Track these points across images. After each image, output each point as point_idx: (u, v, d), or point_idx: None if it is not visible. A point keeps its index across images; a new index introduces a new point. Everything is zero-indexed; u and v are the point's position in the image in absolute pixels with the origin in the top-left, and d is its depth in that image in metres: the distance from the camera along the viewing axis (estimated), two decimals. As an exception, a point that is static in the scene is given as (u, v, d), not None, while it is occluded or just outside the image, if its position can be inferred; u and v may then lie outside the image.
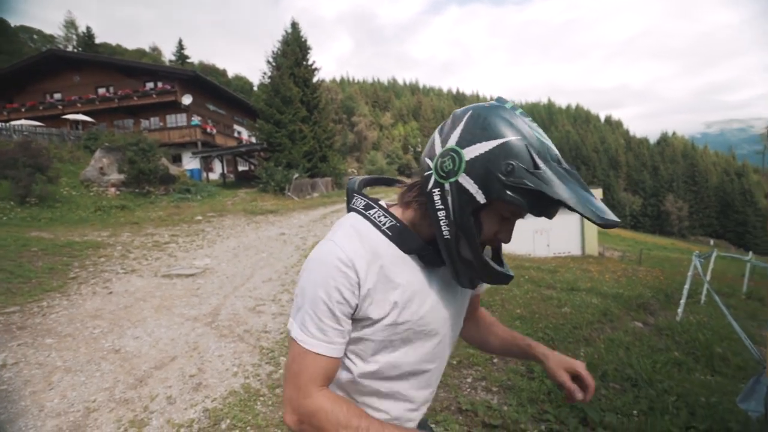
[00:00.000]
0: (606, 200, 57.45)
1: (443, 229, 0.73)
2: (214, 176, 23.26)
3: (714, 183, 67.08)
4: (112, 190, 13.80)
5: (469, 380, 2.98)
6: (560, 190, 0.63)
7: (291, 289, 5.51)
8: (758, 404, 1.64)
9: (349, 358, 0.80)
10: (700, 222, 63.98)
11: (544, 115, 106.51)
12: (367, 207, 0.82)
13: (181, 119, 24.13)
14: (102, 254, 7.18)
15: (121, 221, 10.83)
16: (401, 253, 0.78)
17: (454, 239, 0.73)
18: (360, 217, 0.81)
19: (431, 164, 0.74)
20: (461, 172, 0.69)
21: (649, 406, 2.56)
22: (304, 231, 10.14)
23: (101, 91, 24.27)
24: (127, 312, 4.63)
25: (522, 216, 0.75)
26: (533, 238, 17.08)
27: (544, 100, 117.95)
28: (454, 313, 0.88)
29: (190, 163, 21.93)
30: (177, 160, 22.45)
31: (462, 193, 0.70)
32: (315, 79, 23.97)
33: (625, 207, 64.80)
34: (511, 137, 0.67)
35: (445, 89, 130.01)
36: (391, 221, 0.79)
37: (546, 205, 0.68)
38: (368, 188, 0.96)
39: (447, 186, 0.71)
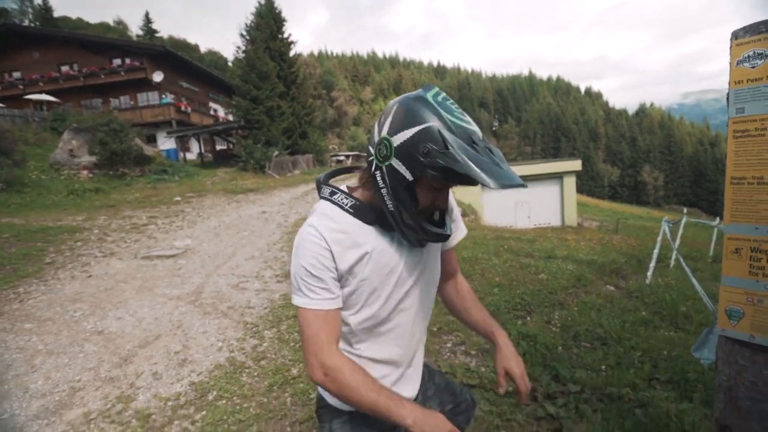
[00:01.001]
0: (585, 172, 58.44)
1: (387, 202, 0.89)
2: (191, 156, 22.64)
3: (689, 153, 68.95)
4: (85, 173, 13.32)
5: (448, 345, 3.10)
6: (465, 166, 0.75)
7: (273, 265, 5.53)
8: (710, 353, 1.77)
9: (345, 314, 0.97)
10: (675, 191, 66.07)
11: (526, 87, 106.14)
12: (332, 193, 0.99)
13: (152, 97, 23.19)
14: (78, 238, 7.01)
15: (97, 204, 10.52)
16: (364, 224, 0.95)
17: (397, 210, 0.89)
18: (327, 203, 0.98)
19: (373, 151, 0.90)
20: (392, 156, 0.84)
21: (616, 362, 2.72)
22: (286, 209, 10.07)
23: (64, 68, 22.99)
24: (108, 294, 4.59)
25: (450, 187, 0.92)
26: (514, 210, 17.41)
27: (525, 72, 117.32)
28: (421, 265, 1.04)
29: (166, 143, 21.23)
30: (151, 140, 21.71)
31: (395, 173, 0.85)
32: (292, 53, 23.21)
33: (604, 178, 66.27)
34: (427, 124, 0.80)
35: (425, 62, 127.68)
36: (352, 201, 0.96)
37: (460, 177, 0.80)
38: (336, 178, 1.13)
39: (384, 168, 0.87)
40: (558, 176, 18.02)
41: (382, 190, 0.89)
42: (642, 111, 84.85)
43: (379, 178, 0.89)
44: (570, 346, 2.95)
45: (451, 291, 1.26)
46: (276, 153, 18.75)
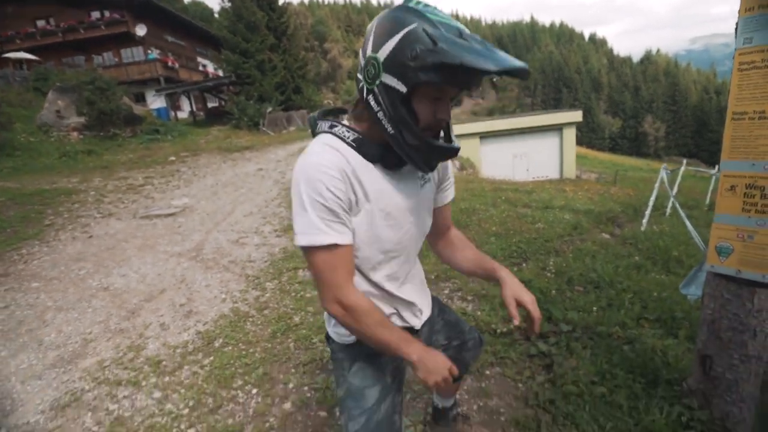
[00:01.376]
0: (586, 123, 57.43)
1: (387, 127, 0.85)
2: (183, 115, 22.05)
3: (693, 102, 67.30)
4: (75, 134, 13.01)
5: (446, 291, 3.19)
6: (459, 56, 0.71)
7: (272, 221, 5.57)
8: (697, 288, 1.83)
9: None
10: (676, 142, 65.22)
11: (527, 34, 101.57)
12: (332, 126, 0.94)
13: (137, 53, 22.17)
14: (75, 200, 6.99)
15: (90, 166, 10.39)
16: (366, 161, 0.92)
17: (398, 132, 0.85)
18: (328, 135, 0.93)
19: (361, 77, 0.86)
20: (382, 72, 0.80)
21: (607, 303, 2.81)
22: (283, 165, 9.98)
23: (40, 23, 21.76)
24: (111, 253, 4.65)
25: (449, 93, 0.86)
26: (513, 164, 17.27)
27: (527, 18, 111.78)
28: (417, 210, 1.04)
29: (155, 101, 20.58)
30: (140, 99, 21.03)
31: (388, 90, 0.81)
32: (281, 2, 21.94)
33: (605, 129, 65.16)
34: (410, 26, 0.76)
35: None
36: (354, 134, 0.92)
37: (455, 73, 0.74)
38: (329, 117, 1.05)
39: (376, 89, 0.83)
40: (558, 128, 17.68)
41: (378, 114, 0.85)
42: (647, 58, 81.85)
43: (373, 102, 0.85)
44: (564, 290, 3.04)
45: (448, 244, 1.25)
46: (270, 109, 18.25)
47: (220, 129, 17.39)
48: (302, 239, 0.87)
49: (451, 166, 1.18)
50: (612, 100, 71.70)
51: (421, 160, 0.89)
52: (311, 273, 0.92)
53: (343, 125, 0.94)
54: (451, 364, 0.93)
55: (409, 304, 1.13)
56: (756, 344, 1.57)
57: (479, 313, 2.79)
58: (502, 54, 0.73)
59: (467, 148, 15.95)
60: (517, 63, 0.72)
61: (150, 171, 9.74)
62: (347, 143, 0.91)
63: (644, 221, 4.75)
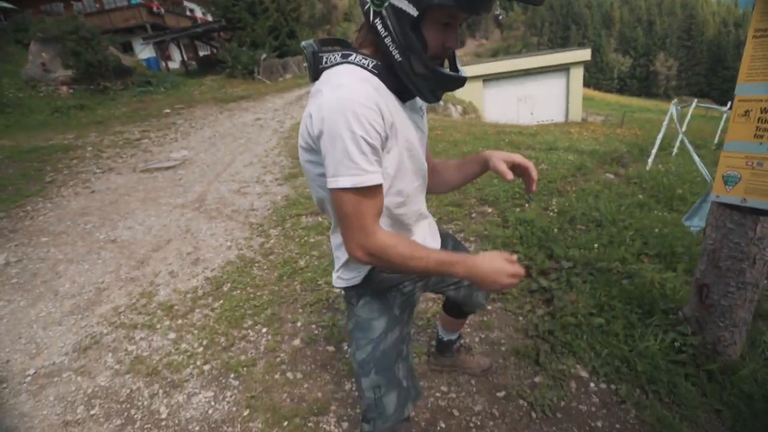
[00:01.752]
0: (594, 63, 54.91)
1: (394, 54, 0.80)
2: (173, 65, 21.20)
3: (709, 36, 63.69)
4: (64, 88, 12.61)
5: (443, 228, 3.22)
6: None
7: (273, 170, 5.53)
8: (700, 220, 1.83)
9: None
10: (688, 81, 62.62)
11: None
12: (345, 56, 0.85)
13: (119, -2, 20.88)
14: (73, 156, 6.92)
15: (84, 122, 10.17)
16: (389, 91, 0.86)
17: (406, 59, 0.80)
18: (350, 66, 0.84)
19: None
20: None
21: (609, 241, 2.83)
22: (281, 114, 9.74)
23: (14, -33, 20.27)
24: (114, 207, 4.67)
25: (459, 19, 0.81)
26: (517, 107, 16.77)
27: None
28: (423, 142, 1.02)
29: (144, 51, 19.68)
30: (128, 49, 20.09)
31: (397, 12, 0.76)
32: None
33: (614, 69, 62.41)
34: None
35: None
36: (373, 62, 0.85)
37: None
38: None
39: (384, 12, 0.77)
40: (565, 68, 16.91)
41: (386, 40, 0.80)
42: (664, -12, 76.23)
43: (380, 26, 0.79)
44: (566, 229, 3.05)
45: (434, 173, 1.18)
46: (264, 56, 17.47)
47: (213, 78, 16.77)
48: (343, 181, 0.78)
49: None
50: (623, 37, 67.93)
51: (428, 89, 0.85)
52: (337, 215, 0.85)
53: (359, 53, 0.86)
54: (508, 254, 0.88)
55: (416, 237, 1.10)
56: (754, 272, 1.59)
57: (482, 253, 2.83)
58: None
59: (469, 92, 15.40)
60: None
61: (145, 125, 9.54)
62: (369, 71, 0.84)
63: (650, 160, 4.67)
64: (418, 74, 0.82)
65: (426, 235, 1.13)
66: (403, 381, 1.08)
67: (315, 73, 0.88)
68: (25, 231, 4.21)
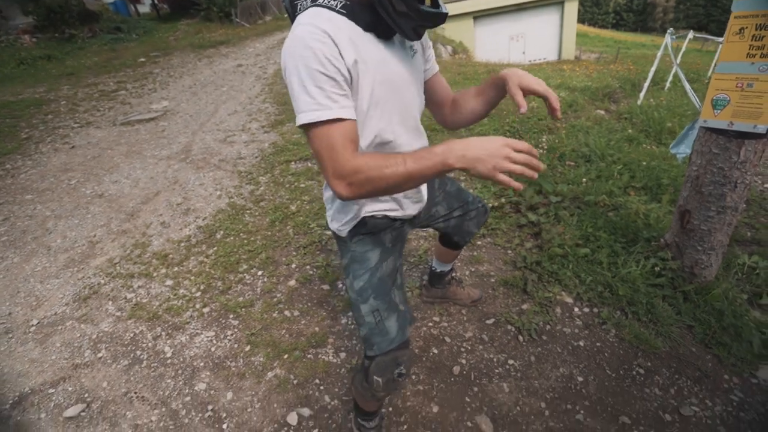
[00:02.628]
0: (591, -5, 51.99)
1: None
2: (144, 9, 19.69)
3: (713, -41, 60.04)
4: (27, 37, 11.76)
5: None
6: None
7: (258, 117, 5.36)
8: (687, 147, 1.84)
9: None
10: (685, 13, 59.94)
11: None
12: (314, 0, 0.85)
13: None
14: (47, 111, 6.61)
15: (54, 74, 9.60)
16: (360, 29, 0.85)
17: None
18: (315, 8, 0.84)
19: None
20: None
21: (597, 175, 2.87)
22: (263, 60, 9.27)
23: None
24: (98, 161, 4.55)
25: None
26: (508, 46, 16.08)
27: None
28: (414, 79, 1.01)
29: (109, -7, 18.18)
30: (90, -9, 18.50)
31: None
32: None
33: (610, 2, 59.39)
34: None
35: None
36: (342, 2, 0.84)
37: None
38: None
39: None
40: (559, 2, 16.02)
41: None
42: None
43: None
44: (555, 165, 3.06)
45: (456, 105, 1.14)
46: (240, -4, 16.27)
47: (188, 23, 15.70)
48: (303, 117, 0.79)
49: (430, 44, 1.12)
50: (622, -36, 63.80)
51: (410, 27, 0.85)
52: (313, 154, 0.85)
53: None
54: (512, 140, 0.74)
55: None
56: (735, 196, 1.63)
57: (472, 190, 2.82)
58: None
59: (459, 31, 14.66)
60: None
61: (120, 75, 9.04)
62: (337, 11, 0.83)
63: (641, 94, 4.60)
64: (398, 12, 0.81)
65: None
66: (400, 305, 1.13)
67: (292, 20, 0.88)
68: (7, 189, 4.12)
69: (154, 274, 2.47)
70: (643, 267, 1.94)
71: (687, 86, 3.11)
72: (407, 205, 1.13)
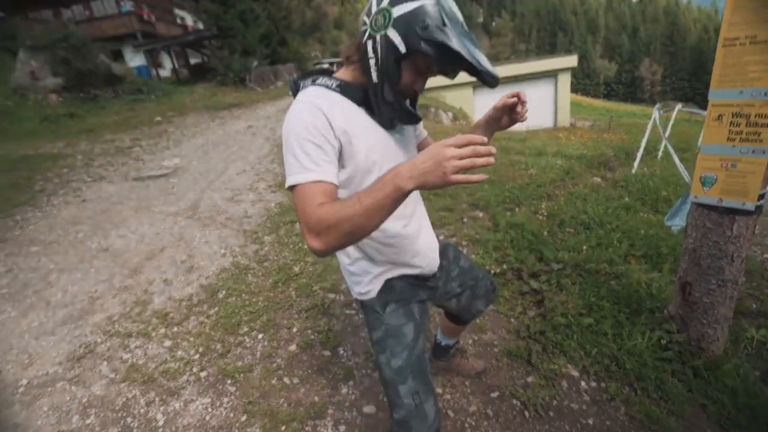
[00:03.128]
0: (581, 69, 55.81)
1: (372, 74, 0.91)
2: (164, 73, 21.10)
3: (692, 42, 65.22)
4: (54, 96, 12.50)
5: (440, 238, 3.25)
6: (459, 45, 0.81)
7: (266, 177, 5.54)
8: (681, 220, 1.90)
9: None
10: (672, 86, 63.96)
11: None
12: (314, 81, 0.99)
13: (110, 6, 20.74)
14: (63, 165, 6.87)
15: (74, 130, 10.09)
16: (353, 105, 0.97)
17: (380, 83, 0.91)
18: (311, 87, 0.97)
19: (367, 21, 0.90)
20: (390, 26, 0.86)
21: (597, 243, 2.91)
22: (273, 122, 9.75)
23: (1, -25, 20.10)
24: (106, 215, 4.65)
25: (431, 71, 0.94)
26: (507, 113, 16.97)
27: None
28: (407, 145, 1.11)
29: (134, 59, 19.62)
30: (118, 57, 19.98)
31: (389, 44, 0.86)
32: (258, -57, 20.29)
33: (600, 75, 63.55)
34: (429, 1, 0.84)
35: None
36: (337, 81, 0.97)
37: (448, 60, 0.84)
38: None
39: (378, 38, 0.88)
40: (553, 74, 17.22)
41: (370, 60, 0.90)
42: (647, -5, 78.02)
43: (369, 48, 0.89)
44: (555, 232, 3.12)
45: None
46: (255, 63, 17.49)
47: (205, 86, 16.75)
48: (289, 180, 0.87)
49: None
50: (608, 43, 69.34)
51: (387, 115, 0.97)
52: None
53: (326, 75, 1.00)
54: (446, 140, 0.73)
55: (415, 241, 1.13)
56: (732, 269, 1.66)
57: (474, 256, 2.88)
58: (484, 59, 0.85)
59: (460, 99, 15.58)
60: (494, 71, 0.85)
61: (137, 132, 9.49)
62: (332, 89, 0.95)
63: (635, 163, 4.79)
64: (385, 100, 0.93)
65: (420, 232, 1.16)
66: (434, 386, 1.12)
67: (295, 97, 1.01)
68: (14, 240, 4.17)
69: (153, 334, 2.43)
70: (648, 339, 1.91)
71: (676, 160, 3.27)
72: (423, 256, 1.15)
